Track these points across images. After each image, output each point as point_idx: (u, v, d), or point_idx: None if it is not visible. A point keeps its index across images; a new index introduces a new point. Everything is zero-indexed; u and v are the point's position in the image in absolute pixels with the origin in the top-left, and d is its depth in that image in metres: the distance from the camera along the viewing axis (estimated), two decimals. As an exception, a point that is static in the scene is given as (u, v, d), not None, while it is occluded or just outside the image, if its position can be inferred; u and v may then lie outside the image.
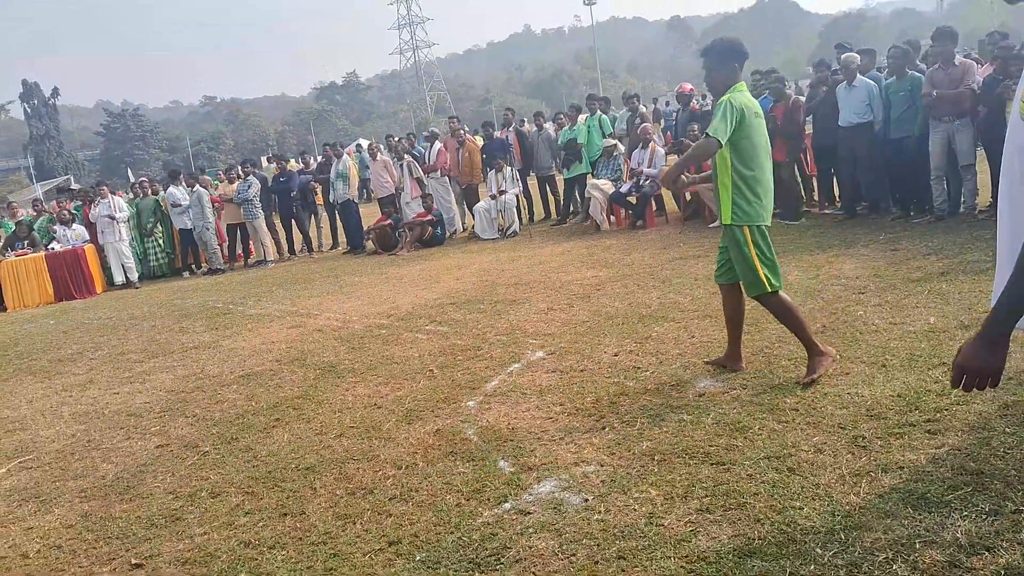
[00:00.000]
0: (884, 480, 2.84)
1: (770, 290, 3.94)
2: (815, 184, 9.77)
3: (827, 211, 9.15)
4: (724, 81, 3.94)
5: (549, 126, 13.05)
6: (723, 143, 3.76)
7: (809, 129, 9.38)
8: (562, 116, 13.11)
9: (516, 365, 4.97)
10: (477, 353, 5.37)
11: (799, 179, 9.56)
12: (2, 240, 13.13)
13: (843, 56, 8.29)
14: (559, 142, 12.26)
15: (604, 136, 11.53)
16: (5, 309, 11.69)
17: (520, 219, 12.03)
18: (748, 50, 4.04)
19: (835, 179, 9.19)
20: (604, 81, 72.80)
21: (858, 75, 8.01)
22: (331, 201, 12.98)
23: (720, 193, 3.96)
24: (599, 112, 12.05)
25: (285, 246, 13.24)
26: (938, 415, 3.30)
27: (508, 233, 11.43)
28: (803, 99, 9.34)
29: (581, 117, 12.54)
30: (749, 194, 3.88)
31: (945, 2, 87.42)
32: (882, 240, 7.11)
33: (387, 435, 4.08)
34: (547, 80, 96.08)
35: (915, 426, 3.24)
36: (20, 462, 4.55)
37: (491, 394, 4.48)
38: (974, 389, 1.74)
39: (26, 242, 12.45)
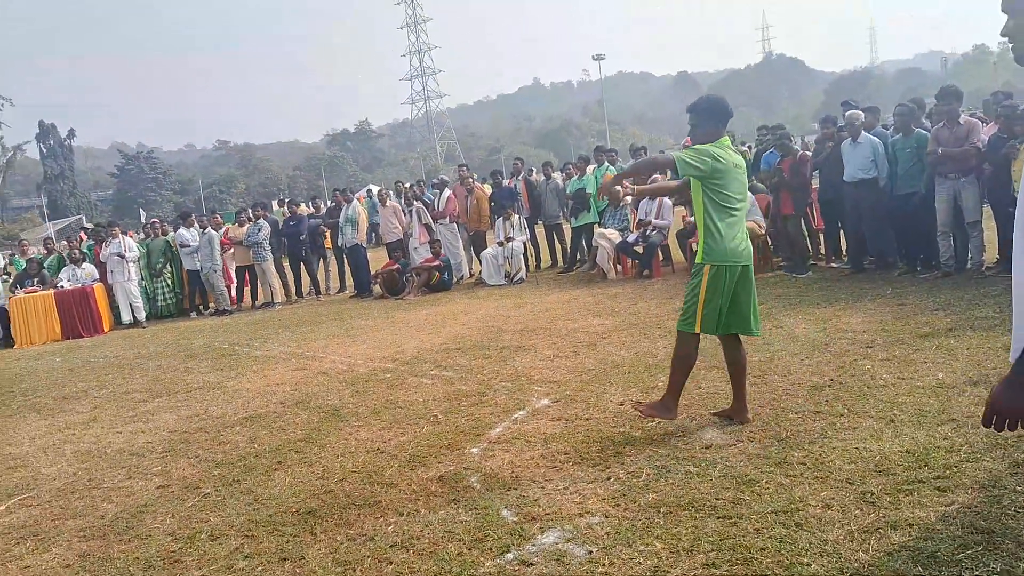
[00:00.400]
0: (893, 537, 2.80)
1: (696, 331, 4.09)
2: (821, 238, 9.82)
3: (834, 265, 9.18)
4: (706, 137, 4.13)
5: (557, 176, 13.21)
6: (679, 167, 3.97)
7: (816, 184, 9.47)
8: (570, 166, 13.27)
9: (521, 412, 4.94)
10: (482, 399, 5.34)
11: (806, 233, 9.61)
12: (12, 277, 13.25)
13: (848, 113, 8.41)
14: (567, 191, 12.40)
15: (612, 186, 11.63)
16: (13, 345, 11.73)
17: (527, 266, 12.09)
18: (732, 109, 4.25)
19: (842, 233, 9.24)
20: (612, 133, 73.77)
21: (862, 132, 8.11)
22: (340, 245, 13.09)
23: (698, 234, 4.19)
24: (607, 163, 12.19)
25: (293, 289, 13.30)
26: (947, 472, 3.27)
27: (515, 280, 11.48)
28: (809, 154, 9.45)
29: (589, 168, 12.69)
30: (719, 236, 4.04)
31: (949, 62, 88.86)
32: (889, 295, 7.11)
33: (389, 481, 4.05)
34: (555, 131, 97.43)
35: (924, 483, 3.20)
36: (20, 499, 4.51)
37: (495, 441, 4.45)
38: (1005, 430, 1.79)
39: (36, 279, 12.55)
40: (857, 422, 3.98)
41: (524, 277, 11.60)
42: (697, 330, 4.07)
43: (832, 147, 8.75)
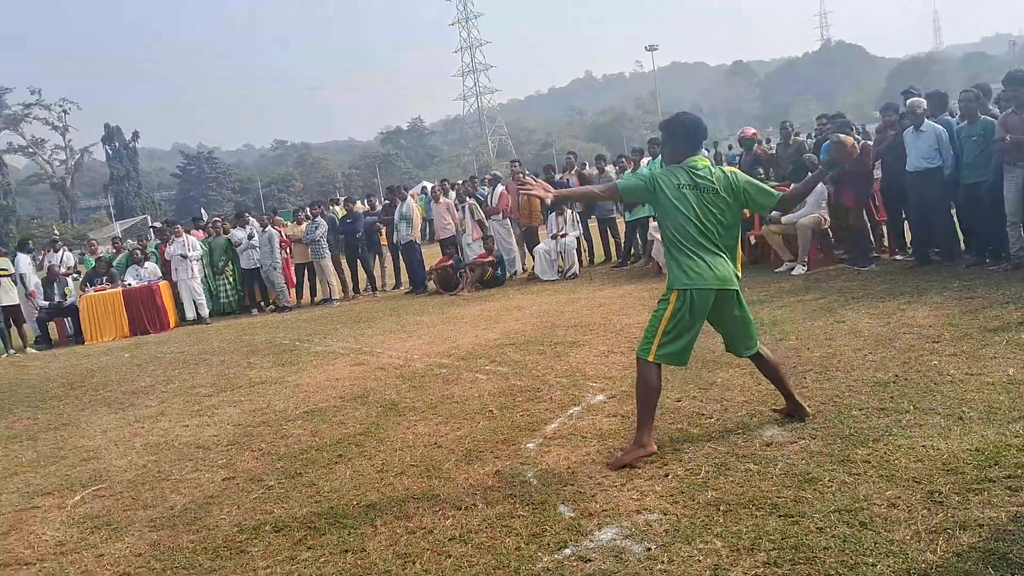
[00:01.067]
0: (962, 538, 2.72)
1: (650, 359, 3.89)
2: (884, 229, 9.55)
3: (898, 257, 8.92)
4: (672, 156, 4.02)
5: (611, 169, 13.11)
6: (620, 191, 4.02)
7: (878, 174, 9.21)
8: (624, 159, 13.17)
9: (576, 408, 4.94)
10: (537, 395, 5.36)
11: (868, 224, 9.36)
12: (83, 275, 13.78)
13: (909, 101, 8.16)
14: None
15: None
16: (83, 342, 12.21)
17: (580, 261, 12.05)
18: (705, 130, 4.11)
19: (906, 224, 8.97)
20: (666, 125, 72.68)
21: (926, 120, 7.85)
22: (394, 242, 13.26)
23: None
24: (661, 155, 12.06)
25: (350, 285, 13.52)
26: (1019, 471, 3.16)
27: (568, 275, 11.46)
28: (871, 143, 9.19)
29: (643, 160, 12.58)
30: (674, 263, 3.90)
31: (1018, 45, 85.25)
32: (956, 288, 6.87)
33: (447, 475, 4.10)
34: (608, 124, 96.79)
35: (995, 482, 3.10)
36: (94, 490, 4.70)
37: (551, 437, 4.46)
38: None
39: (105, 278, 13.03)
40: (923, 419, 3.87)
41: (577, 272, 11.58)
42: (651, 359, 3.87)
43: (894, 136, 8.49)
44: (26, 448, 5.93)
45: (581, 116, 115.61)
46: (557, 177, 13.22)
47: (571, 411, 4.89)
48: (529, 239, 12.84)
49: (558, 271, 11.62)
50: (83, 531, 4.07)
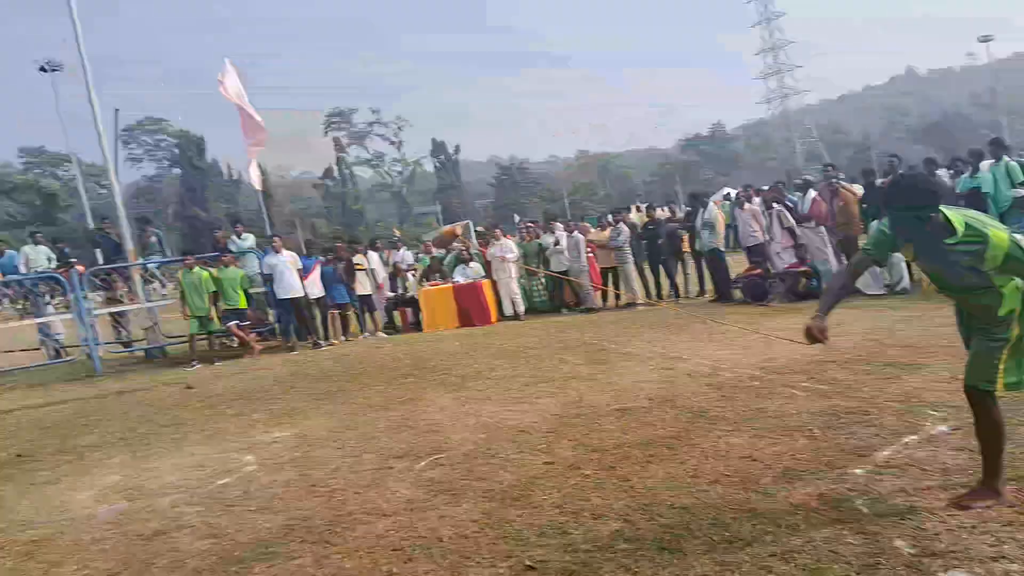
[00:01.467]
0: None
1: (998, 390, 3.45)
2: None
3: None
4: (936, 231, 3.38)
5: (943, 173, 11.72)
6: None
7: None
8: (959, 162, 11.70)
9: (912, 437, 4.51)
10: (864, 418, 4.98)
11: None
12: (420, 272, 15.61)
13: None
14: (957, 190, 10.91)
15: (1013, 186, 10.00)
16: (422, 329, 13.85)
17: (911, 274, 10.90)
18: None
19: None
20: (1012, 123, 62.94)
21: None
22: (697, 249, 13.14)
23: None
24: (1006, 158, 10.48)
25: (653, 291, 13.66)
26: None
27: (897, 289, 10.43)
28: None
29: (984, 164, 11.04)
30: None
31: None
32: None
33: (764, 490, 3.99)
34: (936, 124, 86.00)
35: None
36: (435, 459, 5.31)
37: (883, 465, 4.13)
38: None
39: (438, 275, 14.65)
40: None
41: (908, 287, 10.49)
42: (998, 389, 3.48)
43: None
44: (380, 417, 6.87)
45: (903, 116, 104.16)
46: (878, 182, 12.06)
47: (906, 439, 4.47)
48: (847, 248, 11.88)
49: (884, 285, 10.63)
50: (428, 493, 4.62)
